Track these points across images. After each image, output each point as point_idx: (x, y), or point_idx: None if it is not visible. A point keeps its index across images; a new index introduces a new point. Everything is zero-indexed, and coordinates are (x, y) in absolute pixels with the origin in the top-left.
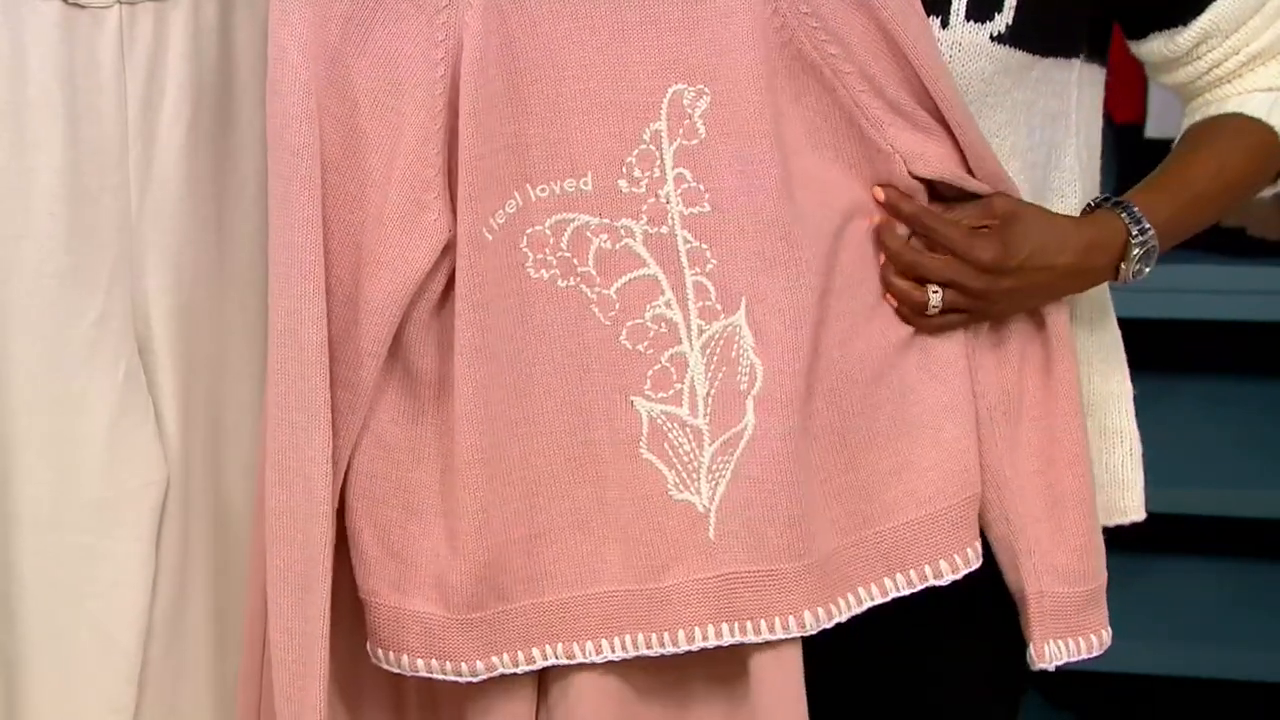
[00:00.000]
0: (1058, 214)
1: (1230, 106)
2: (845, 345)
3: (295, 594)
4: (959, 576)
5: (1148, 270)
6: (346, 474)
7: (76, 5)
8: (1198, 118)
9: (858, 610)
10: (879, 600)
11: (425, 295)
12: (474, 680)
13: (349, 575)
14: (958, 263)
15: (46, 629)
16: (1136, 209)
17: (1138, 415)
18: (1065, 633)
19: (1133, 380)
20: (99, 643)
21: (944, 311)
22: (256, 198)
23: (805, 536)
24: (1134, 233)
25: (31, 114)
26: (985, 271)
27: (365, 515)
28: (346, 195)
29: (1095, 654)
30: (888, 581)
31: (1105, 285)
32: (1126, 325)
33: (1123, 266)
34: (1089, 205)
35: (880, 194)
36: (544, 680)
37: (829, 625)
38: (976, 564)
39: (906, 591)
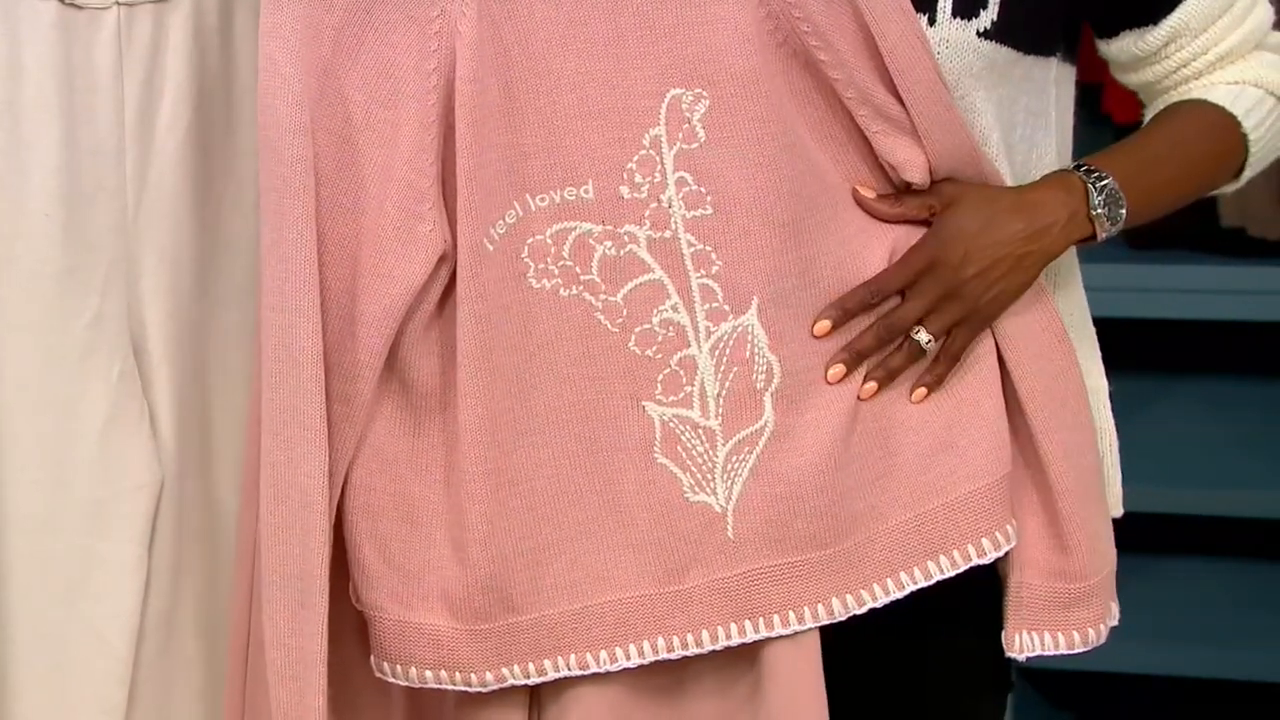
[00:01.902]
0: (1001, 187)
1: (1194, 95)
2: None
3: (292, 611)
4: (1000, 554)
5: (1122, 214)
6: (343, 488)
7: (74, 6)
8: (1160, 108)
9: (898, 595)
10: (922, 584)
11: (420, 307)
12: (482, 691)
13: (337, 588)
14: (916, 289)
15: (38, 630)
16: (1087, 163)
17: (1138, 416)
18: (1041, 625)
19: (1133, 381)
20: (91, 644)
21: (943, 338)
22: (255, 201)
23: (834, 526)
24: (1089, 180)
25: (27, 115)
26: (937, 271)
27: (365, 529)
28: (340, 208)
29: (1078, 651)
30: (931, 565)
31: (1080, 283)
32: (1127, 325)
33: (1092, 214)
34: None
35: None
36: (538, 687)
37: (860, 611)
38: (1015, 542)
39: (951, 574)
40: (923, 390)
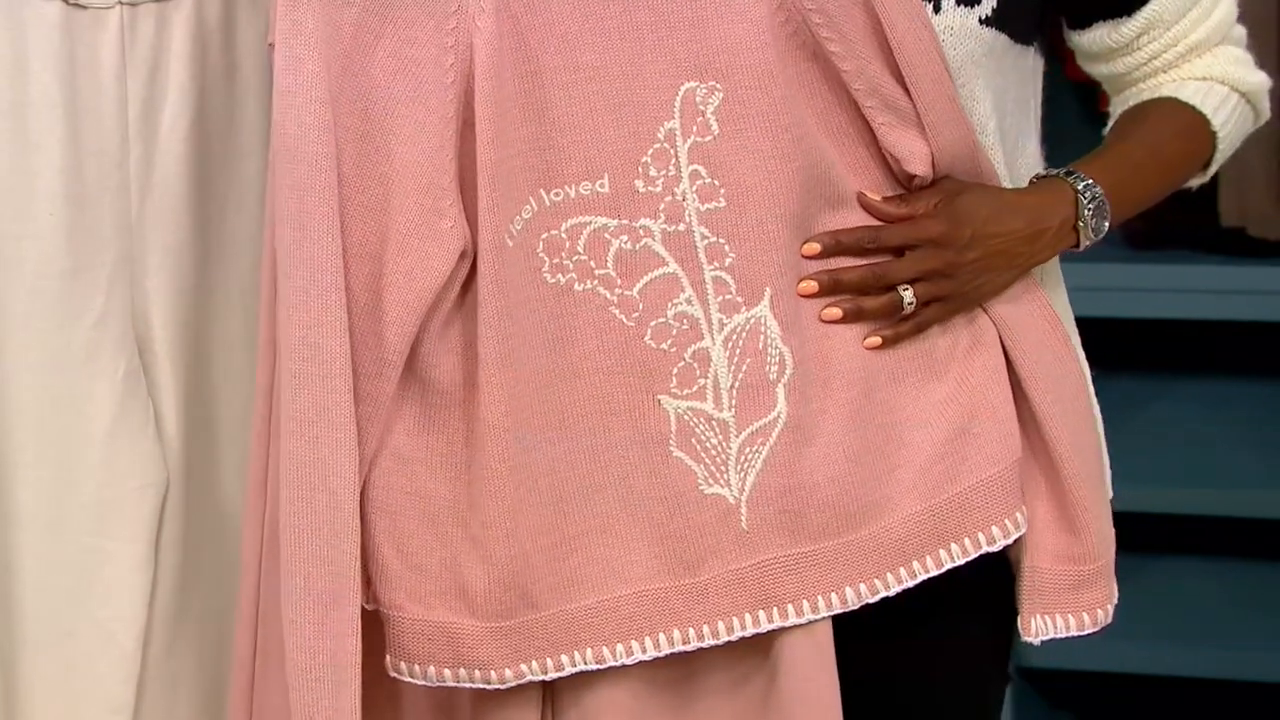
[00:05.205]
0: (1003, 187)
1: (1164, 92)
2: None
3: (321, 612)
4: (1010, 541)
5: (1106, 225)
6: (362, 487)
7: (78, 5)
8: (1131, 104)
9: (910, 583)
10: (934, 572)
11: (441, 304)
12: (501, 688)
13: None
14: (917, 253)
15: (45, 630)
16: (1078, 170)
17: (1138, 416)
18: (1054, 609)
19: (1132, 381)
20: (98, 644)
21: (920, 306)
22: (258, 200)
23: (847, 516)
24: (1080, 188)
25: (32, 114)
26: (942, 246)
27: (383, 528)
28: (361, 207)
29: (1089, 631)
30: (943, 553)
31: (1062, 280)
32: (1127, 325)
33: (1079, 224)
34: (1034, 178)
35: (813, 248)
36: (552, 681)
37: (873, 600)
38: (1025, 528)
39: (961, 561)
40: (877, 339)
